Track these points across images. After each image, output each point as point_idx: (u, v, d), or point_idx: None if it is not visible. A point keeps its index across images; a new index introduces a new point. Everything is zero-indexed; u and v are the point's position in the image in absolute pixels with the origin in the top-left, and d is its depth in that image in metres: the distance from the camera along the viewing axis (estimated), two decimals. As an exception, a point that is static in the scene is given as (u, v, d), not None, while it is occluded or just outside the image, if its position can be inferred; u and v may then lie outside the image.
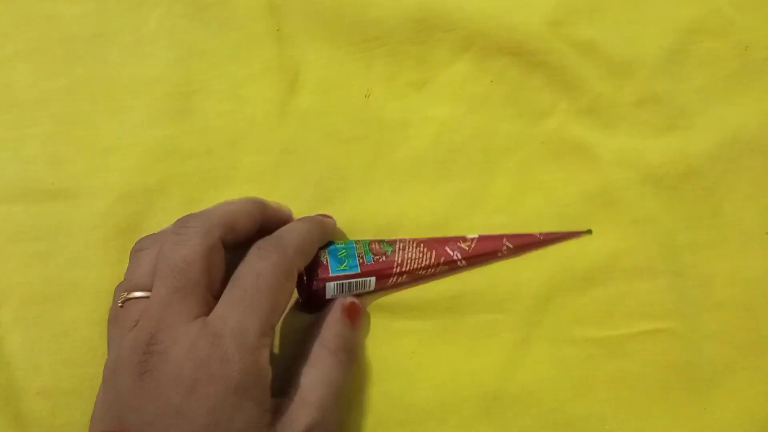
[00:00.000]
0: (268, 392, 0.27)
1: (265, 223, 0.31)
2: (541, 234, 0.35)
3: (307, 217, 0.34)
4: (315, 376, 0.29)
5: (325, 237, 0.33)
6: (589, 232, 0.35)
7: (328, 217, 0.35)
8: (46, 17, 0.36)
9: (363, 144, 0.37)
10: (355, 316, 0.32)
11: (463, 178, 0.37)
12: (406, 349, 0.34)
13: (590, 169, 0.37)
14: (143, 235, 0.31)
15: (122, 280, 0.29)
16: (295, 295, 0.34)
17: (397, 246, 0.34)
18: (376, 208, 0.36)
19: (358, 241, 0.34)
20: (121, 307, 0.28)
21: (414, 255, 0.34)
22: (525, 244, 0.35)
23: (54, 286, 0.34)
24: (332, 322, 0.31)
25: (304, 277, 0.32)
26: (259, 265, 0.28)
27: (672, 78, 0.38)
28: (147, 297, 0.27)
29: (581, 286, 0.35)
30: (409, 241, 0.34)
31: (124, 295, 0.28)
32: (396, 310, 0.35)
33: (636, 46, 0.38)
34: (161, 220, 0.35)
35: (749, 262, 0.36)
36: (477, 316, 0.35)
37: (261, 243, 0.29)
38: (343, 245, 0.33)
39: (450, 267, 0.35)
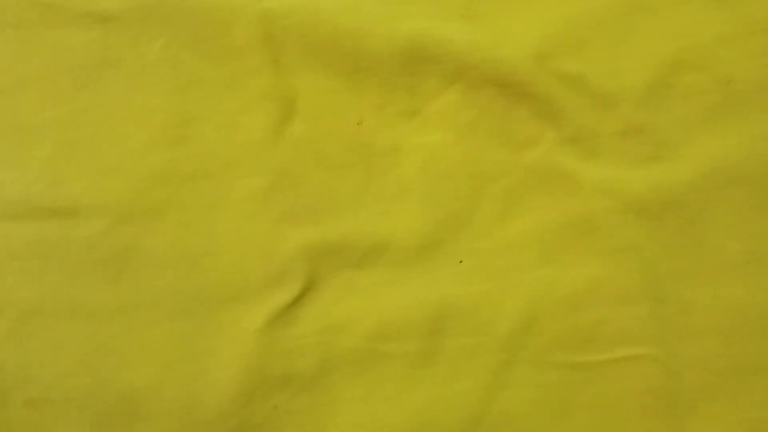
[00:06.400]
0: None
1: None
2: None
3: None
4: None
5: None
6: None
7: None
8: (53, 45, 0.38)
9: (354, 169, 0.38)
10: None
11: (450, 204, 0.38)
12: (391, 372, 0.35)
13: (573, 197, 0.38)
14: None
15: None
16: None
17: None
18: (365, 229, 0.37)
19: None
20: None
21: None
22: None
23: (51, 302, 0.35)
24: None
25: None
26: None
27: (655, 109, 0.39)
28: None
29: (563, 311, 0.36)
30: None
31: None
32: (382, 331, 0.36)
33: (620, 79, 0.39)
34: (158, 241, 0.36)
35: (730, 289, 0.37)
36: (460, 339, 0.36)
37: None
38: None
39: None
